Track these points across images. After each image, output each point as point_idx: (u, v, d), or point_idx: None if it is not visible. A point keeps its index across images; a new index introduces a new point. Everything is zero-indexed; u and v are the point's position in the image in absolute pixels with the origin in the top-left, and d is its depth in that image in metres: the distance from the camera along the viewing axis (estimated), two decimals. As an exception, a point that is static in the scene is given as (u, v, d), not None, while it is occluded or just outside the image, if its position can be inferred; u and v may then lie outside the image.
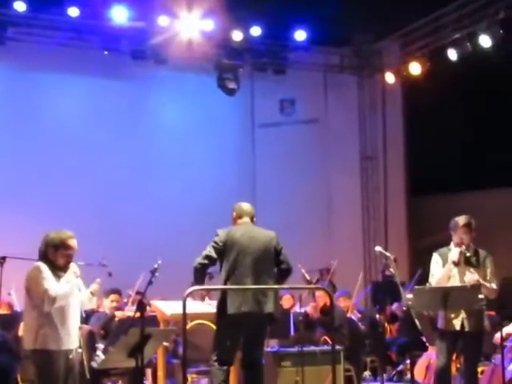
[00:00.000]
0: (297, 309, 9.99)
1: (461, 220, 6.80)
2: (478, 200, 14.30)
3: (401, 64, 14.06)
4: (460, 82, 12.86)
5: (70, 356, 5.73)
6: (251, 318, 6.22)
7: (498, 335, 7.60)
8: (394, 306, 10.70)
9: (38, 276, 5.64)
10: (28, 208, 12.62)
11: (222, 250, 6.36)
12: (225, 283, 6.34)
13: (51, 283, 5.62)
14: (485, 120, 13.57)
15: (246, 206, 6.70)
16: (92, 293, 6.09)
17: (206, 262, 6.38)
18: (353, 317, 10.20)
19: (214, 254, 6.37)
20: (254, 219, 6.68)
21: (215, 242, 6.38)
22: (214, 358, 6.33)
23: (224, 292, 6.31)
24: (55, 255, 5.75)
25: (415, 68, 13.59)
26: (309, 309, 9.45)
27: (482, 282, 6.64)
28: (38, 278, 5.62)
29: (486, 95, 13.26)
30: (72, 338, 5.77)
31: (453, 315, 6.55)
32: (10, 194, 12.66)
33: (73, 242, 5.82)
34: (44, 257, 5.77)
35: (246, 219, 6.59)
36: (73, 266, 5.82)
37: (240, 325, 6.22)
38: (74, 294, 5.82)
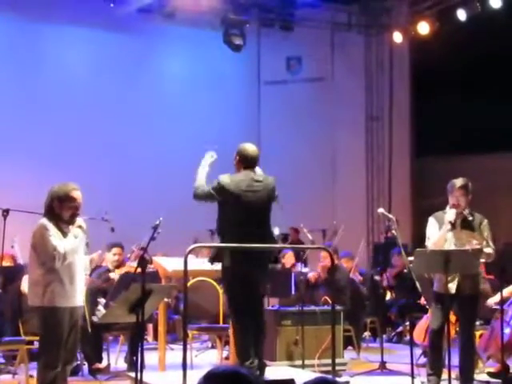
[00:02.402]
0: (298, 267, 10.03)
1: (457, 182, 6.73)
2: (482, 163, 14.27)
3: (409, 23, 13.93)
4: (469, 42, 12.73)
5: (75, 313, 5.76)
6: (251, 273, 6.11)
7: (489, 300, 7.61)
8: (387, 275, 10.72)
9: (44, 234, 5.61)
10: (31, 161, 12.62)
11: (220, 199, 6.11)
12: (222, 237, 6.15)
13: (58, 240, 5.61)
14: (492, 81, 13.47)
15: (251, 152, 6.27)
16: (91, 260, 6.13)
17: (203, 195, 6.18)
18: (354, 278, 10.25)
19: (210, 198, 6.14)
20: (258, 162, 6.33)
21: (214, 189, 6.10)
22: (232, 314, 6.26)
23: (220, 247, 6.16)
24: (61, 208, 5.71)
25: (423, 28, 13.47)
26: (318, 269, 9.48)
27: (479, 246, 6.62)
28: (45, 236, 5.60)
29: (494, 56, 13.13)
30: (78, 296, 5.79)
31: (448, 279, 6.52)
32: (13, 146, 12.64)
33: (77, 194, 5.77)
34: (50, 211, 5.73)
35: (249, 169, 6.21)
36: (79, 221, 5.80)
37: (242, 278, 6.11)
38: (81, 249, 5.82)
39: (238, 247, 6.03)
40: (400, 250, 7.90)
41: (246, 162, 6.25)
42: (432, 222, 6.84)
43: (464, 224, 6.72)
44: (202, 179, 6.31)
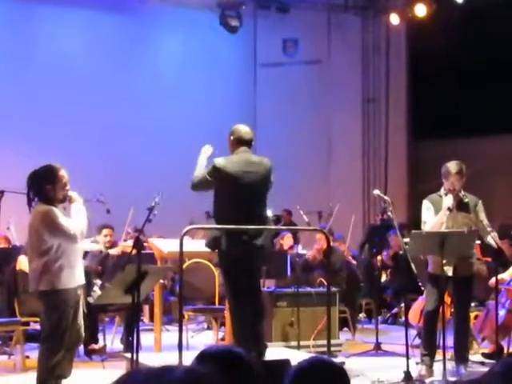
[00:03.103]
0: (296, 249, 10.05)
1: (452, 167, 6.71)
2: (478, 145, 14.27)
3: (406, 5, 13.87)
4: (465, 24, 12.69)
5: (79, 292, 5.80)
6: (246, 254, 6.11)
7: (493, 280, 7.64)
8: (384, 255, 10.79)
9: (57, 218, 5.59)
10: (26, 142, 12.58)
11: (217, 184, 6.08)
12: (219, 219, 6.10)
13: (70, 220, 5.65)
14: (490, 64, 13.44)
15: (244, 130, 6.23)
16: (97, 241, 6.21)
17: (200, 183, 6.17)
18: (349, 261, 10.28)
19: (207, 185, 6.13)
20: (253, 143, 6.28)
21: (209, 174, 6.07)
22: (230, 298, 6.26)
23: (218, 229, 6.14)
24: (54, 190, 5.67)
25: (420, 10, 13.42)
26: (313, 251, 9.51)
27: (475, 228, 6.64)
28: (59, 219, 5.58)
29: (492, 39, 13.09)
30: (82, 274, 5.85)
31: (445, 260, 6.53)
32: (8, 127, 12.60)
33: (64, 172, 5.76)
34: (44, 195, 5.66)
35: (244, 147, 6.17)
36: (74, 195, 5.80)
37: (239, 260, 6.11)
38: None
39: (233, 229, 6.03)
40: (395, 231, 7.90)
41: (241, 143, 6.20)
42: (427, 205, 6.83)
43: (459, 206, 6.74)
44: (199, 171, 6.25)
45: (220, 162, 6.09)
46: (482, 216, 6.77)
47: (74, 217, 5.69)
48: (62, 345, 5.61)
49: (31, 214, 5.67)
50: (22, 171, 11.74)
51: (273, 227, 6.33)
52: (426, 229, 6.75)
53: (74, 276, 5.71)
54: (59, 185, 5.70)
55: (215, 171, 6.05)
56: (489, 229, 6.75)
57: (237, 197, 6.06)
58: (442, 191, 6.79)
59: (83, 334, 5.97)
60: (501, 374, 1.89)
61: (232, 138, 6.25)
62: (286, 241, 10.14)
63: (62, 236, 5.56)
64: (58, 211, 5.64)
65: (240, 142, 6.21)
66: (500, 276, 7.38)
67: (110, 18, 13.56)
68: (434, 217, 6.72)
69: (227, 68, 14.58)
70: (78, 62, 13.31)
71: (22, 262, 7.58)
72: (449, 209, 6.63)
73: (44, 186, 5.66)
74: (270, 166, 6.22)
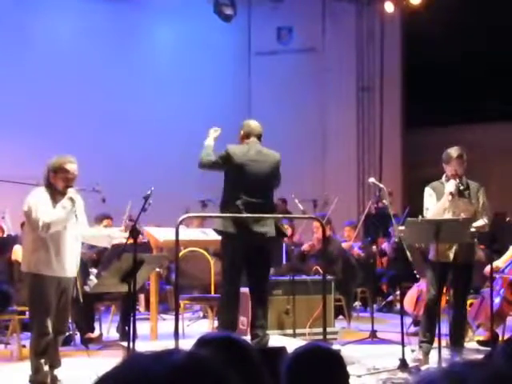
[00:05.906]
0: (295, 239, 10.08)
1: (454, 152, 6.72)
2: (473, 134, 14.26)
3: (400, -8, 13.83)
4: (460, 13, 12.67)
5: (63, 282, 5.79)
6: (251, 239, 6.20)
7: (488, 268, 7.65)
8: (384, 245, 10.83)
9: (36, 201, 5.70)
10: (22, 132, 12.55)
11: (226, 168, 6.30)
12: (226, 204, 6.28)
13: (47, 209, 5.66)
14: (484, 52, 13.43)
15: (254, 124, 6.55)
16: (110, 236, 6.22)
17: (210, 164, 6.38)
18: (356, 246, 10.29)
19: (216, 167, 6.36)
20: (262, 138, 6.55)
21: (221, 158, 6.30)
22: (224, 283, 6.36)
23: (222, 212, 6.31)
24: (55, 179, 5.80)
25: (415, -3, 13.38)
26: (313, 240, 9.53)
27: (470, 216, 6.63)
28: (36, 204, 5.68)
29: (488, 26, 13.08)
30: (66, 267, 5.79)
31: (446, 246, 6.56)
32: (3, 117, 12.55)
33: (71, 167, 5.85)
34: (46, 181, 5.84)
35: (254, 139, 6.45)
36: (70, 192, 5.82)
37: (241, 243, 6.20)
38: (71, 221, 5.82)
39: (231, 217, 6.13)
40: (399, 219, 7.93)
41: (250, 135, 6.48)
42: (429, 193, 6.83)
43: (460, 192, 6.74)
44: (208, 150, 6.48)
45: (232, 148, 6.36)
46: (480, 204, 6.78)
47: (56, 208, 5.73)
48: (46, 329, 5.65)
49: None
50: (16, 161, 11.75)
51: (267, 215, 6.35)
52: (428, 215, 6.74)
53: (52, 265, 5.70)
54: (60, 175, 5.83)
55: (226, 156, 6.29)
56: (484, 212, 6.76)
57: (244, 184, 6.24)
58: (444, 178, 6.79)
59: (66, 326, 6.05)
60: (505, 351, 1.90)
61: (242, 132, 6.54)
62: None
63: (31, 218, 5.64)
64: (45, 196, 5.73)
65: (249, 135, 6.49)
66: (495, 264, 7.40)
67: (103, 6, 13.49)
68: (436, 203, 6.72)
69: (221, 56, 14.54)
70: (72, 51, 13.25)
71: (17, 252, 7.59)
72: (451, 194, 6.62)
73: (49, 172, 5.84)
74: (279, 158, 6.53)
